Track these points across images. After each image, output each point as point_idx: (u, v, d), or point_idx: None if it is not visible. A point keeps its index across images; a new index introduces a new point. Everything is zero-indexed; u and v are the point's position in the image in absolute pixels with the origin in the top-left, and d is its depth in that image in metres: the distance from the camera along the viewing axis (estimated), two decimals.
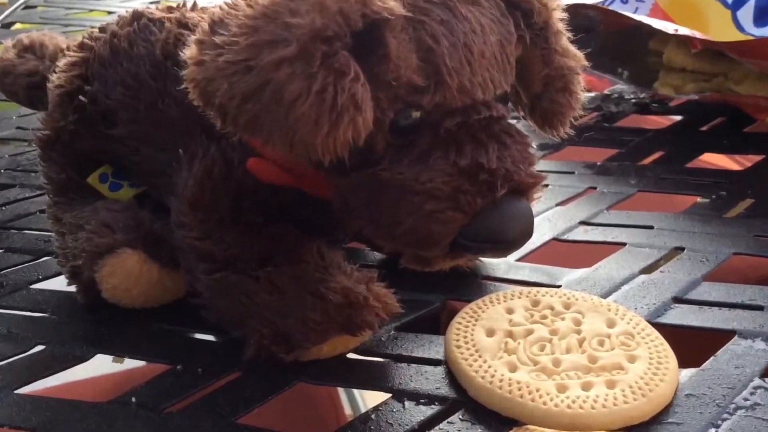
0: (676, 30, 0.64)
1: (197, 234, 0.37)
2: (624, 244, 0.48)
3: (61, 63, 0.45)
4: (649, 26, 0.65)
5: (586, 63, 0.37)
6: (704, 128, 0.68)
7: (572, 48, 0.36)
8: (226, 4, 0.32)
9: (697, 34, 0.64)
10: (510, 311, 0.39)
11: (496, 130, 0.32)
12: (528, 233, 0.32)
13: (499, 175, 0.31)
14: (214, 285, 0.36)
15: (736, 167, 0.62)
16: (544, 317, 0.39)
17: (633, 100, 0.76)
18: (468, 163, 0.31)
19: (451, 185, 0.31)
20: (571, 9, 0.37)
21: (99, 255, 0.39)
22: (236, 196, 0.37)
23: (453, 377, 0.36)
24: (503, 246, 0.32)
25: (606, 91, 0.79)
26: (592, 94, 0.79)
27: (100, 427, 0.33)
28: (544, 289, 0.41)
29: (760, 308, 0.40)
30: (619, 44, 0.77)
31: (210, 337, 0.40)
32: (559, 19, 0.36)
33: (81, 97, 0.43)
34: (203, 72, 0.30)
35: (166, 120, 0.40)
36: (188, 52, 0.31)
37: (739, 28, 0.69)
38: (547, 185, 0.58)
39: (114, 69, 0.42)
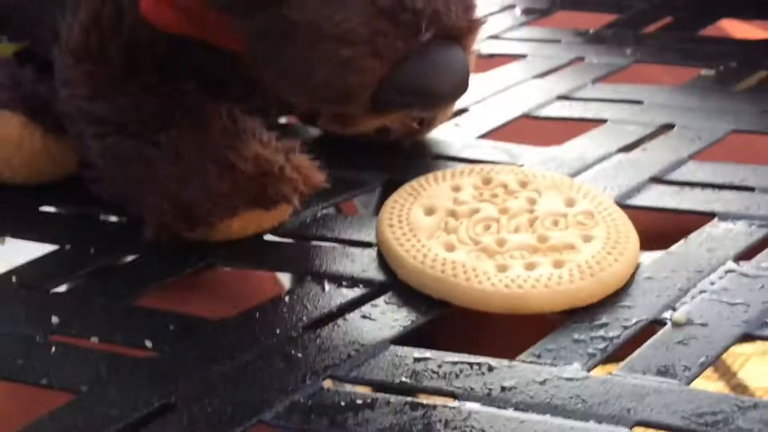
0: None
1: (85, 92, 0.39)
2: (605, 121, 0.51)
3: None
4: None
5: None
6: None
7: None
8: None
9: None
10: (456, 189, 0.42)
11: None
12: (462, 86, 0.35)
13: (425, 15, 0.34)
14: (106, 152, 0.40)
15: (759, 36, 0.65)
16: (495, 196, 0.42)
17: None
18: (388, 1, 0.34)
19: (369, 27, 0.33)
20: None
21: None
22: (129, 47, 0.39)
23: (383, 260, 0.40)
24: (431, 100, 0.35)
25: None
26: None
27: None
28: (499, 166, 0.44)
29: (750, 189, 0.44)
30: None
31: (108, 219, 0.43)
32: None
33: None
34: None
35: None
36: None
37: None
38: (524, 56, 0.61)
39: None
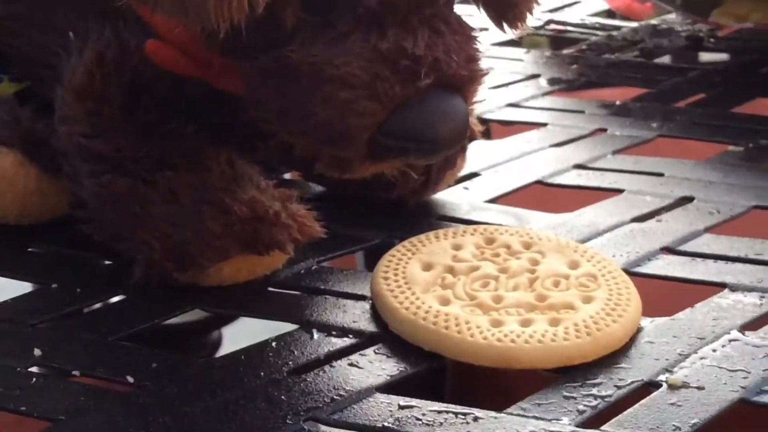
0: None
1: (83, 129, 0.45)
2: (622, 191, 0.56)
3: None
4: None
5: None
6: (764, 70, 0.76)
7: None
8: None
9: None
10: (457, 247, 0.47)
11: (427, 14, 0.40)
12: (460, 134, 0.40)
13: (425, 63, 0.39)
14: (100, 190, 0.45)
15: None
16: (497, 255, 0.46)
17: (684, 34, 0.84)
18: (389, 47, 0.39)
19: (369, 72, 0.39)
20: None
21: None
22: (131, 87, 0.45)
23: (377, 312, 0.44)
24: (428, 146, 0.40)
25: (654, 21, 0.88)
26: (633, 24, 0.87)
27: None
28: (503, 228, 0.49)
29: (764, 263, 0.48)
30: None
31: (96, 261, 0.48)
32: None
33: None
34: None
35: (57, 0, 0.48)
36: None
37: None
38: (544, 124, 0.66)
39: None
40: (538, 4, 0.44)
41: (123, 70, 0.45)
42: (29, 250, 0.49)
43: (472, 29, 0.42)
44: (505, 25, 0.45)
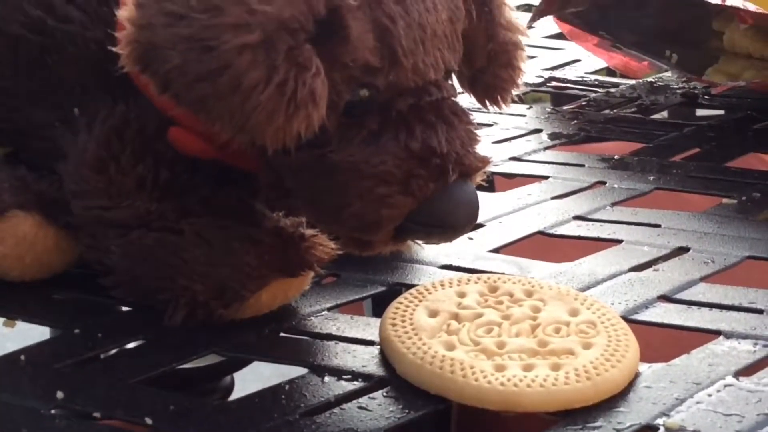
0: (723, 0, 0.74)
1: (103, 202, 0.46)
2: (620, 242, 0.57)
3: None
4: None
5: (528, 36, 0.48)
6: (758, 126, 0.77)
7: (516, 21, 0.48)
8: None
9: (750, 6, 0.74)
10: (461, 295, 0.48)
11: (445, 111, 0.43)
12: (475, 217, 0.43)
13: (451, 160, 0.42)
14: (130, 249, 0.45)
15: None
16: (500, 303, 0.47)
17: (680, 91, 0.85)
18: (419, 147, 0.41)
19: (403, 169, 0.41)
20: None
21: None
22: (153, 165, 0.46)
23: (384, 357, 0.45)
24: (450, 231, 0.43)
25: (650, 79, 0.89)
26: (631, 82, 0.88)
27: None
28: (506, 276, 0.49)
29: (758, 311, 0.49)
30: (677, 23, 0.86)
31: (116, 306, 0.49)
32: None
33: None
34: (150, 36, 0.40)
35: (54, 77, 0.48)
36: (127, 13, 0.41)
37: None
38: (546, 177, 0.67)
39: None
40: (518, 87, 0.48)
41: (144, 151, 0.46)
42: (53, 297, 0.49)
43: (471, 114, 0.45)
44: (490, 104, 0.48)
